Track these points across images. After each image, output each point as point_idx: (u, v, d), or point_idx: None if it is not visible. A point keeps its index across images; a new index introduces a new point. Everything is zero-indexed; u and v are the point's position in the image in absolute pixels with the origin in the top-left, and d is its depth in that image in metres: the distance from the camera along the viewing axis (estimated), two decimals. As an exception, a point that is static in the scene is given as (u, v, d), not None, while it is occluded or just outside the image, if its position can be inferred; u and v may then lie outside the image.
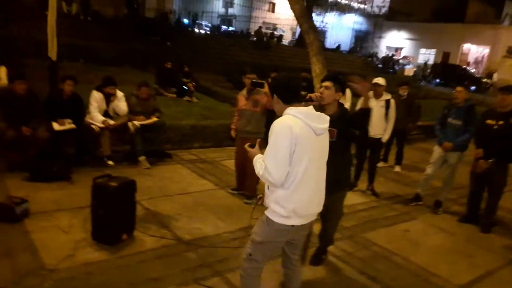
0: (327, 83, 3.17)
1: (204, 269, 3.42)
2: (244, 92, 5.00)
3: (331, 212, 3.37)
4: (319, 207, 2.56)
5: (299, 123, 2.31)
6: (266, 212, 2.49)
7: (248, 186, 4.97)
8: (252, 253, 2.55)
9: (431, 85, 23.62)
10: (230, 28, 28.98)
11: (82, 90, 5.78)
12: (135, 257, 3.50)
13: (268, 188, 2.47)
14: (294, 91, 2.44)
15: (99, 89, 5.71)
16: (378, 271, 3.72)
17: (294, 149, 2.29)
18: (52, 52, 5.38)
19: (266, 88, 4.70)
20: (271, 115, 7.49)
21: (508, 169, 4.84)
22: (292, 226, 2.44)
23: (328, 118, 2.51)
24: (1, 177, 4.76)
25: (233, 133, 5.14)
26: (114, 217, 3.56)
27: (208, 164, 6.32)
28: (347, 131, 3.18)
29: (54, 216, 4.02)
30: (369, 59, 29.32)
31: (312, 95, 3.09)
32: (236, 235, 4.10)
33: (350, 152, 3.45)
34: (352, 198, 5.53)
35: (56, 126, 5.24)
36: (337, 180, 3.15)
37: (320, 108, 3.11)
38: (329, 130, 3.01)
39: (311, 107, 2.47)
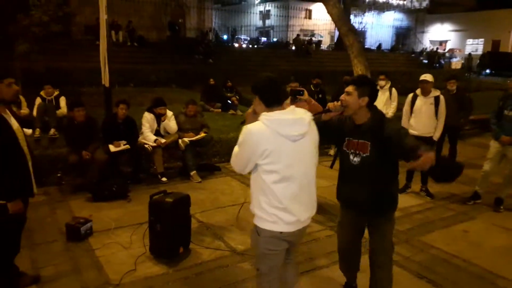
0: (348, 88, 2.67)
1: (259, 279, 3.48)
2: (288, 101, 5.04)
3: (377, 245, 2.87)
4: (307, 213, 2.40)
5: (267, 133, 2.21)
6: (254, 220, 2.40)
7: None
8: (258, 267, 2.50)
9: (481, 76, 22.42)
10: (275, 39, 29.30)
11: (134, 112, 6.12)
12: (193, 269, 3.63)
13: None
14: (277, 94, 2.32)
15: (150, 110, 6.01)
16: (438, 274, 3.60)
17: (258, 158, 2.23)
18: (105, 79, 5.74)
19: (306, 95, 4.72)
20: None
21: None
22: (281, 232, 2.32)
23: (306, 121, 2.31)
24: (67, 198, 5.13)
25: None
26: (171, 232, 3.72)
27: (256, 175, 6.41)
28: (384, 145, 2.57)
29: (115, 233, 4.26)
30: (413, 55, 28.40)
31: (330, 104, 2.75)
32: (288, 243, 4.13)
33: (394, 167, 2.75)
34: (405, 200, 5.38)
35: (112, 148, 5.57)
36: (375, 200, 2.70)
37: (349, 118, 2.75)
38: (360, 144, 2.67)
39: (290, 109, 2.33)
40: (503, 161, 5.12)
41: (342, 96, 2.69)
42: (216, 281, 3.43)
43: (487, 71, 24.30)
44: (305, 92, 4.69)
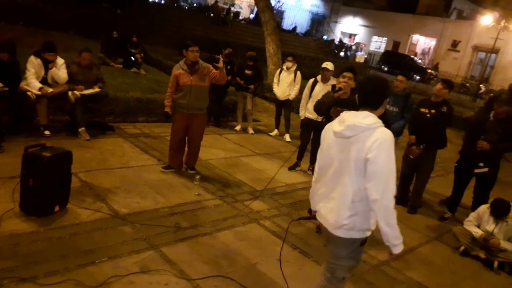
0: (347, 74, 4.33)
1: (139, 243, 3.43)
2: (184, 66, 4.81)
3: None
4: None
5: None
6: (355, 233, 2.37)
7: (191, 157, 5.13)
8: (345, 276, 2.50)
9: (381, 72, 24.43)
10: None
11: (21, 54, 5.45)
12: (68, 229, 3.42)
13: None
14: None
15: (37, 54, 5.38)
16: (310, 246, 3.92)
17: None
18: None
19: (221, 64, 4.71)
20: (222, 89, 7.49)
21: (436, 155, 5.20)
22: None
23: None
24: None
25: (168, 110, 5.01)
26: (45, 188, 3.44)
27: (152, 139, 6.22)
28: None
29: (-19, 186, 3.82)
30: (326, 43, 29.63)
31: (341, 85, 4.27)
32: (174, 210, 4.11)
33: None
34: (293, 177, 5.73)
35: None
36: None
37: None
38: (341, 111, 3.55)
39: None
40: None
41: (345, 80, 4.31)
42: (91, 243, 3.28)
43: (385, 68, 26.50)
44: (221, 61, 4.71)
